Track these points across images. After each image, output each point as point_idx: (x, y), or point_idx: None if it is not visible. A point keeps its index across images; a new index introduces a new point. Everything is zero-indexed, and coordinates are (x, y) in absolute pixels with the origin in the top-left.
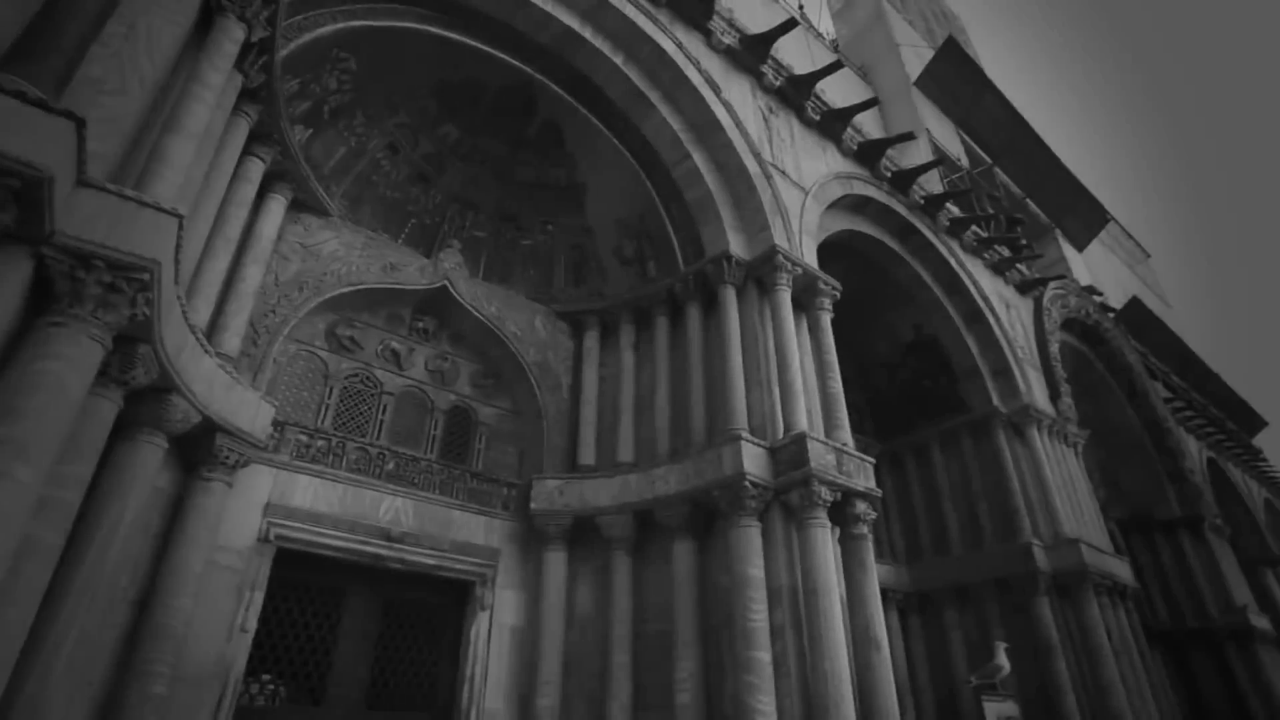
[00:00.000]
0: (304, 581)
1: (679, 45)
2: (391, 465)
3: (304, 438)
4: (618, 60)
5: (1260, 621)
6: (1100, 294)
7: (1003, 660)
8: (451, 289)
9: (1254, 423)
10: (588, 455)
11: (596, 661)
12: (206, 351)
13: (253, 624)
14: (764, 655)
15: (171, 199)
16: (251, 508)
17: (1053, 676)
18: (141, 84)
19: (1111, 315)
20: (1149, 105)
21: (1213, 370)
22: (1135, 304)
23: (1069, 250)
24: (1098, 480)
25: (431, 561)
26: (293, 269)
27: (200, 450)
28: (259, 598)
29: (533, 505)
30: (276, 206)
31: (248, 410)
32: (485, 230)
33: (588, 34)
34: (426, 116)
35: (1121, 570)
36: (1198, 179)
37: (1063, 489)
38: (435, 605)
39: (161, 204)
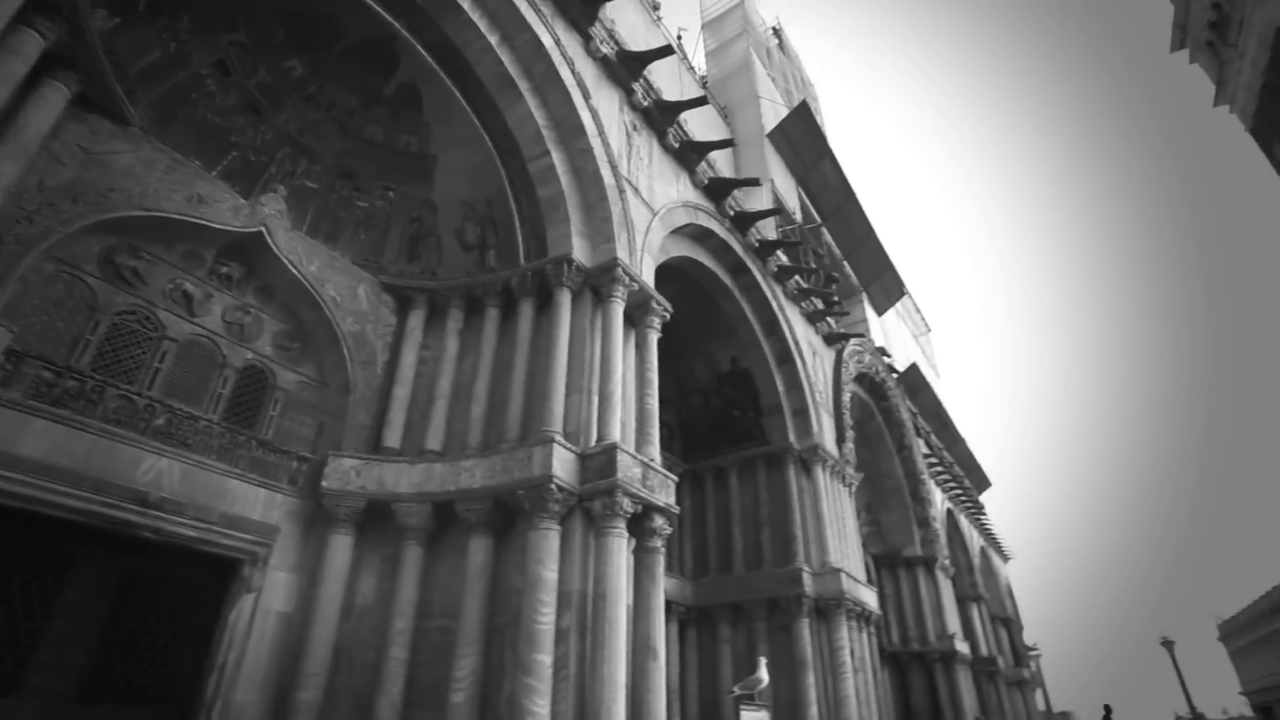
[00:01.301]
0: (16, 546)
1: (557, 42)
2: (162, 421)
3: (48, 375)
4: (493, 39)
5: (962, 647)
6: (889, 356)
7: (763, 674)
8: (268, 237)
9: (983, 482)
10: (393, 438)
11: (371, 655)
12: None
13: None
14: (545, 658)
15: None
16: None
17: (803, 689)
18: None
19: (895, 376)
20: (954, 204)
21: (961, 435)
22: (914, 370)
23: (870, 313)
24: (864, 519)
25: (194, 534)
26: (67, 175)
27: None
28: None
29: (324, 484)
30: (55, 96)
31: None
32: (318, 183)
33: (465, 3)
34: (270, 43)
35: (870, 598)
36: (979, 273)
37: (834, 523)
38: (190, 584)
39: None
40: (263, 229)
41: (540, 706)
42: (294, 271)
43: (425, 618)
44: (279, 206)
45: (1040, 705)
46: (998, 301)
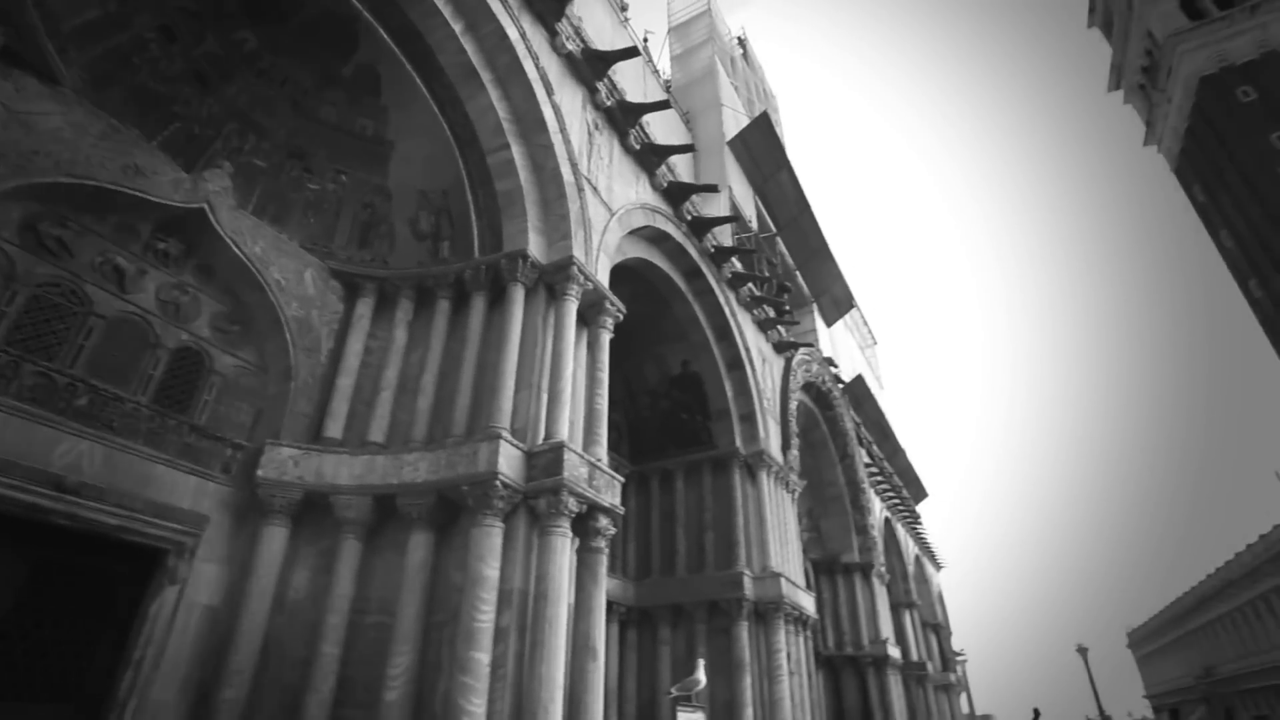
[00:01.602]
0: None
1: (523, 35)
2: (84, 401)
3: None
4: (457, 28)
5: (894, 651)
6: (836, 366)
7: (701, 675)
8: (211, 215)
9: (920, 493)
10: (335, 428)
11: (302, 651)
12: None
13: None
14: (484, 656)
15: None
16: None
17: (740, 691)
18: None
19: (841, 386)
20: (907, 223)
21: (901, 447)
22: (859, 381)
23: (820, 323)
24: (805, 524)
25: (115, 522)
26: None
27: None
28: None
29: (260, 473)
30: None
31: None
32: (266, 161)
33: None
34: (222, 12)
35: (808, 603)
36: (929, 289)
37: (777, 528)
38: (109, 575)
39: None
40: (205, 205)
41: (476, 706)
42: (237, 251)
43: (361, 613)
44: (224, 183)
45: (965, 708)
46: (945, 317)
